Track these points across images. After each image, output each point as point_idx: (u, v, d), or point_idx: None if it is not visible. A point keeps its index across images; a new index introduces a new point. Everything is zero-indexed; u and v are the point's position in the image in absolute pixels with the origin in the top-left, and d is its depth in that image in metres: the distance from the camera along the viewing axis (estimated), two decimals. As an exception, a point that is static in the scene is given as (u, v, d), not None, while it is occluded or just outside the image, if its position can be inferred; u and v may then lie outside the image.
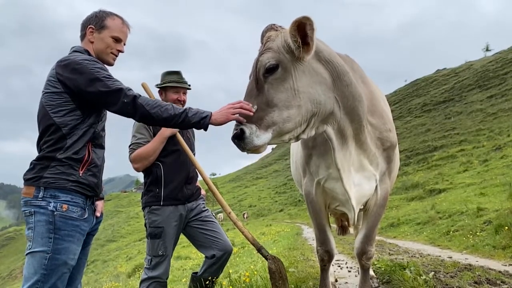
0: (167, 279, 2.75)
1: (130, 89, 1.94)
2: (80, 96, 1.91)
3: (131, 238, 53.61)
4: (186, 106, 2.97)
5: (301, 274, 4.03)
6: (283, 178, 69.72)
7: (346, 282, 3.81)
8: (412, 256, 5.73)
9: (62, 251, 1.83)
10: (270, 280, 2.40)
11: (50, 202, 1.83)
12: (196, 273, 2.93)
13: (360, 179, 2.31)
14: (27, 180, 1.87)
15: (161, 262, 2.67)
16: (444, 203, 11.67)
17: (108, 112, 2.15)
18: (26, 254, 1.83)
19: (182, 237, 2.92)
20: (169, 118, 1.91)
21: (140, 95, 1.94)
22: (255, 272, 4.05)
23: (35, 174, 1.87)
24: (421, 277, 3.11)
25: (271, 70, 1.85)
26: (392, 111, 2.77)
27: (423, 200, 15.35)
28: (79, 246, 1.94)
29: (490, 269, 3.95)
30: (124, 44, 2.18)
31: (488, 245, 5.59)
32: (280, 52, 1.86)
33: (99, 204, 2.16)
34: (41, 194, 1.84)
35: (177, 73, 2.95)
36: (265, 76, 1.86)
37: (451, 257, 5.23)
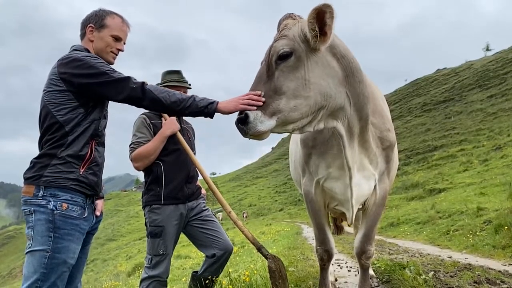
0: (167, 278, 2.75)
1: (136, 79, 1.96)
2: (85, 91, 1.91)
3: (131, 237, 53.63)
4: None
5: (301, 273, 4.03)
6: (283, 177, 69.75)
7: (346, 282, 3.81)
8: (412, 256, 5.73)
9: (62, 250, 1.83)
10: (270, 279, 2.41)
11: (50, 201, 1.83)
12: (196, 272, 2.94)
13: (359, 179, 2.32)
14: (27, 179, 1.87)
15: (161, 261, 2.67)
16: (444, 202, 11.68)
17: (108, 112, 2.15)
18: (26, 253, 1.84)
19: (182, 236, 2.92)
20: (177, 101, 1.93)
21: (147, 83, 1.97)
22: (255, 271, 4.05)
23: (35, 173, 1.87)
24: (421, 277, 3.12)
25: (284, 57, 1.82)
26: (392, 110, 2.78)
27: (423, 200, 15.35)
28: (78, 245, 1.94)
29: (489, 268, 3.95)
30: (124, 43, 2.18)
31: (488, 245, 5.59)
32: (295, 41, 1.84)
33: (99, 203, 2.16)
34: (41, 193, 1.84)
35: (178, 72, 2.95)
36: (277, 62, 1.83)
37: (451, 257, 5.23)
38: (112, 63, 2.13)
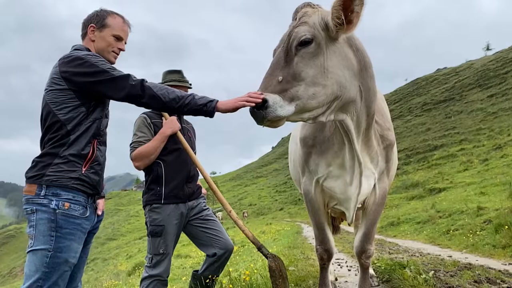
0: (168, 277, 2.75)
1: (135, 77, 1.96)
2: (86, 90, 1.91)
3: (131, 237, 53.65)
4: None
5: (301, 273, 4.04)
6: (283, 176, 69.76)
7: (346, 281, 3.81)
8: (412, 255, 5.73)
9: (64, 249, 1.84)
10: (270, 278, 2.41)
11: (52, 200, 1.83)
12: (197, 271, 2.94)
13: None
14: (29, 178, 1.88)
15: (162, 261, 2.68)
16: (444, 202, 11.69)
17: (109, 111, 2.15)
18: (28, 252, 1.84)
19: (182, 236, 2.93)
20: (176, 99, 1.93)
21: (147, 81, 1.96)
22: (255, 271, 4.06)
23: (37, 172, 1.87)
24: (421, 276, 3.12)
25: (305, 43, 1.80)
26: (392, 110, 2.79)
27: (423, 199, 15.36)
28: (80, 245, 1.95)
29: (490, 268, 3.96)
30: (125, 43, 2.19)
31: (488, 244, 5.60)
32: (316, 28, 1.82)
33: (100, 202, 2.17)
34: (43, 192, 1.84)
35: (178, 72, 2.95)
36: (297, 48, 1.80)
37: (451, 256, 5.24)
38: (113, 63, 2.14)
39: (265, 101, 1.70)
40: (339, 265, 5.01)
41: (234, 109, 1.91)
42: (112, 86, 1.90)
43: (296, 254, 6.15)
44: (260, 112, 1.71)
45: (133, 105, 1.99)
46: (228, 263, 2.99)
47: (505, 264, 4.36)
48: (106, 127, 2.11)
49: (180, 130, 2.79)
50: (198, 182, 3.01)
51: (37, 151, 1.96)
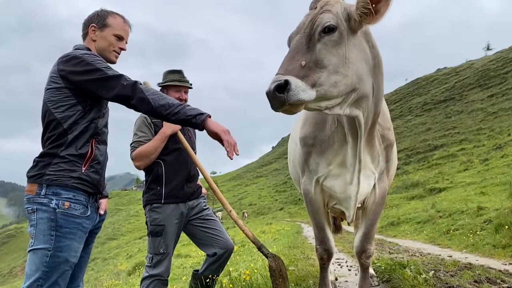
0: (168, 277, 2.76)
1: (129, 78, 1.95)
2: (80, 88, 1.92)
3: (132, 236, 53.68)
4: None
5: (301, 273, 4.04)
6: (283, 176, 69.75)
7: (346, 281, 3.81)
8: (412, 255, 5.73)
9: (64, 248, 1.84)
10: (270, 278, 2.41)
11: (52, 200, 1.84)
12: (197, 271, 2.95)
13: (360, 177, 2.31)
14: (30, 178, 1.88)
15: (162, 260, 2.68)
16: (444, 202, 11.68)
17: (108, 110, 2.15)
18: (28, 251, 1.84)
19: (183, 235, 2.93)
20: (166, 105, 1.90)
21: (141, 83, 1.95)
22: (255, 270, 4.06)
23: (38, 171, 1.87)
24: (421, 276, 3.12)
25: (329, 30, 1.77)
26: (392, 110, 2.79)
27: (424, 199, 15.36)
28: (81, 244, 1.95)
29: (490, 268, 3.95)
30: (126, 42, 2.20)
31: (488, 244, 5.60)
32: (339, 18, 1.81)
33: (103, 202, 2.17)
34: (43, 192, 1.84)
35: (179, 72, 2.96)
36: (321, 35, 1.77)
37: (451, 256, 5.24)
38: (114, 62, 2.15)
39: (287, 83, 1.61)
40: (339, 265, 5.01)
41: (216, 135, 1.92)
42: (103, 85, 1.90)
43: (296, 254, 6.15)
44: (282, 96, 1.60)
45: (123, 106, 1.99)
46: (228, 262, 3.00)
47: (505, 264, 4.36)
48: (105, 126, 2.10)
49: (180, 130, 2.79)
50: (198, 182, 3.01)
51: (37, 151, 1.97)
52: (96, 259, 35.58)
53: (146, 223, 2.78)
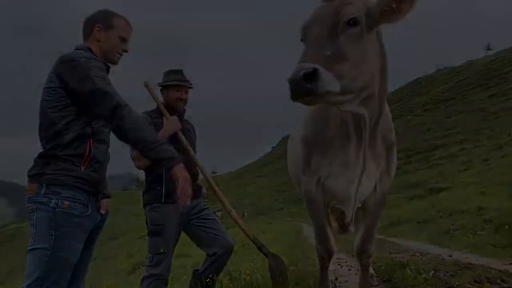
0: (168, 276, 2.76)
1: (124, 101, 1.92)
2: (72, 92, 1.91)
3: (132, 236, 53.61)
4: (188, 105, 2.99)
5: (301, 272, 4.04)
6: (284, 176, 69.70)
7: (346, 281, 3.81)
8: (412, 255, 5.72)
9: (63, 248, 1.83)
10: (270, 278, 2.42)
11: (52, 199, 1.83)
12: (197, 270, 2.95)
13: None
14: (31, 177, 1.88)
15: (162, 260, 2.68)
16: (445, 202, 11.66)
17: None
18: (28, 251, 1.84)
19: (183, 235, 2.93)
20: (141, 140, 1.90)
21: (130, 108, 1.92)
22: (256, 270, 4.06)
23: (38, 171, 1.87)
24: (421, 276, 3.12)
25: (353, 23, 1.73)
26: (393, 110, 2.78)
27: (424, 199, 15.33)
28: (81, 244, 1.94)
29: (490, 268, 3.95)
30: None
31: (489, 244, 5.59)
32: (359, 12, 1.77)
33: (105, 202, 2.16)
34: (43, 191, 1.84)
35: (179, 72, 2.95)
36: (345, 27, 1.72)
37: (451, 256, 5.23)
38: (117, 63, 2.15)
39: (316, 72, 1.50)
40: (339, 264, 5.00)
41: (176, 180, 1.93)
42: (89, 97, 1.88)
43: (297, 254, 6.16)
44: (308, 85, 1.50)
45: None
46: (228, 262, 3.00)
47: (506, 264, 4.35)
48: (104, 125, 2.06)
49: (180, 130, 2.79)
50: (199, 182, 3.01)
51: (37, 150, 1.96)
52: (96, 258, 35.55)
53: (146, 222, 2.78)
